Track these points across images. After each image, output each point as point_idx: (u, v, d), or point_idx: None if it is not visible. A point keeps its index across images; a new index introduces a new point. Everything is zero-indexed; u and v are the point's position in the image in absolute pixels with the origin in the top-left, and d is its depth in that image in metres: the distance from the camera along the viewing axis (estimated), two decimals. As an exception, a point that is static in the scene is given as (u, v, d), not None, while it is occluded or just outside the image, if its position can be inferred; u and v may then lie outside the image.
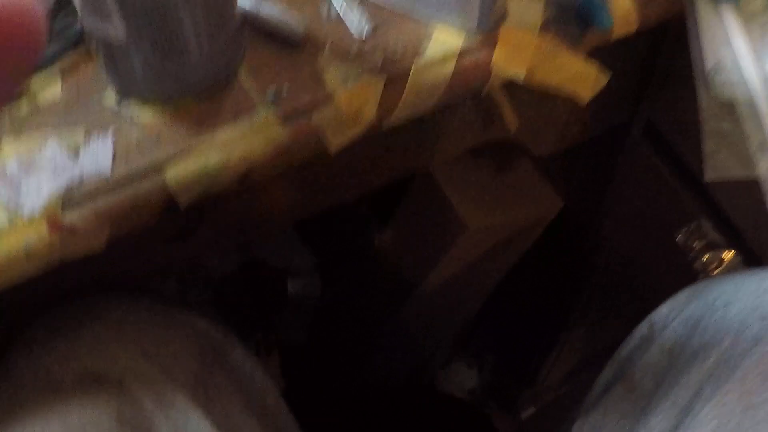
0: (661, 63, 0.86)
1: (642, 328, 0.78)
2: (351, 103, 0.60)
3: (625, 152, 0.98)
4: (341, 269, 1.25)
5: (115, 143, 0.58)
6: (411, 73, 0.62)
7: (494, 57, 0.64)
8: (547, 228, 1.08)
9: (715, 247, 0.93)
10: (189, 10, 0.55)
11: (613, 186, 1.03)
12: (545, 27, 0.66)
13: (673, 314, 0.74)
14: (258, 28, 0.66)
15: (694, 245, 0.95)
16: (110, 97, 0.62)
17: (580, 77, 0.67)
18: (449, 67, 0.63)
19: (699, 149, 0.79)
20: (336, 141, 0.61)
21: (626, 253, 1.08)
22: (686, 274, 0.94)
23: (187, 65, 0.58)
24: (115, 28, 0.55)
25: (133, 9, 0.54)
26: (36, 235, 0.54)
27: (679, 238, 0.95)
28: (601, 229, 1.10)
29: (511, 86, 0.74)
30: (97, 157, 0.58)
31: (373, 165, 0.75)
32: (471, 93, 0.65)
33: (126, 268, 0.70)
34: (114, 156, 0.58)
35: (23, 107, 0.61)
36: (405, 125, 0.72)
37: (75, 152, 0.58)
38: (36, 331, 0.65)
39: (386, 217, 1.12)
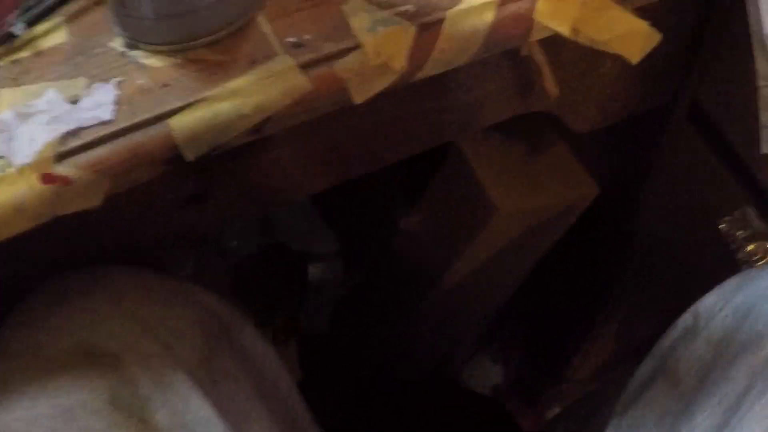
0: (709, 34, 0.80)
1: (686, 319, 0.72)
2: (379, 51, 0.55)
3: (667, 133, 0.92)
4: (364, 253, 1.20)
5: (119, 91, 0.53)
6: (446, 21, 0.56)
7: (537, 7, 0.58)
8: (580, 214, 1.03)
9: (761, 237, 0.88)
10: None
11: (653, 170, 0.97)
12: (592, -22, 0.60)
13: (721, 304, 0.69)
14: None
15: (738, 234, 0.89)
16: (117, 43, 0.57)
17: (630, 34, 0.61)
18: (488, 17, 0.57)
19: (747, 131, 0.75)
20: (361, 92, 0.55)
21: (664, 242, 1.02)
22: (729, 264, 0.88)
23: (199, 6, 0.53)
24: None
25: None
26: (26, 187, 0.49)
27: (722, 226, 0.90)
28: (637, 216, 1.04)
29: (551, 51, 0.69)
30: (98, 105, 0.52)
31: (400, 129, 0.70)
32: (510, 46, 0.60)
33: (132, 236, 0.65)
34: (117, 104, 0.53)
35: (24, 54, 0.57)
36: (437, 86, 0.66)
37: (75, 100, 0.53)
38: (30, 303, 0.59)
39: (413, 199, 1.07)
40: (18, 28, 0.57)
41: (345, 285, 1.21)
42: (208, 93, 0.53)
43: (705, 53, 0.82)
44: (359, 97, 0.56)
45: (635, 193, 1.02)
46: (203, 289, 0.66)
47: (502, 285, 1.11)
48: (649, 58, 0.64)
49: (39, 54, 0.57)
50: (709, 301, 0.71)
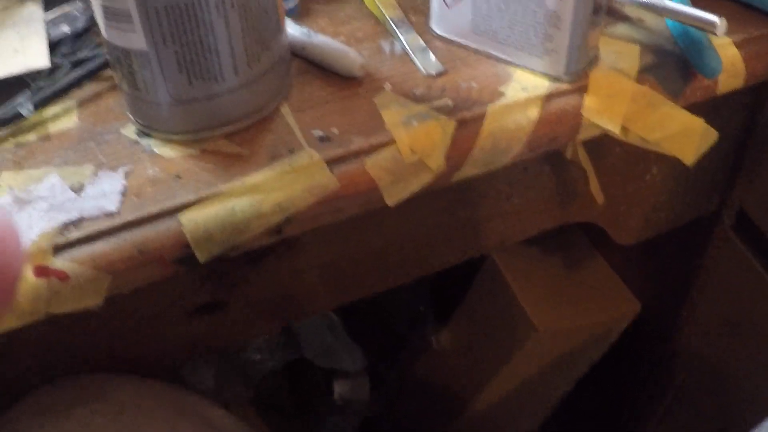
0: (754, 142, 0.75)
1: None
2: (414, 147, 0.50)
3: (713, 245, 0.87)
4: (391, 372, 1.14)
5: (127, 181, 0.49)
6: (488, 116, 0.51)
7: (585, 105, 0.54)
8: (621, 332, 0.97)
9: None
10: (223, 19, 0.46)
11: (697, 284, 0.91)
12: (642, 74, 0.56)
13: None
14: (308, 60, 0.57)
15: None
16: (130, 131, 0.53)
17: (684, 133, 0.56)
18: (533, 113, 0.53)
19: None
20: (394, 193, 0.50)
21: (710, 362, 0.96)
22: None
23: (219, 91, 0.49)
24: (138, 38, 0.46)
25: (157, 14, 0.45)
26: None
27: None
28: (679, 333, 0.98)
29: (594, 155, 0.64)
30: (104, 194, 0.48)
31: (433, 238, 0.65)
32: (556, 146, 0.55)
33: (139, 343, 0.59)
34: (124, 195, 0.48)
35: (31, 137, 0.53)
36: (474, 191, 0.62)
37: (79, 187, 0.48)
38: (23, 409, 0.54)
39: (445, 315, 1.01)
40: (26, 109, 0.52)
41: (371, 405, 1.14)
42: (224, 187, 0.48)
43: (751, 158, 0.77)
44: (391, 199, 0.51)
45: (677, 308, 0.96)
46: (213, 405, 0.61)
47: (537, 408, 1.05)
48: (696, 163, 0.59)
49: (46, 137, 0.53)
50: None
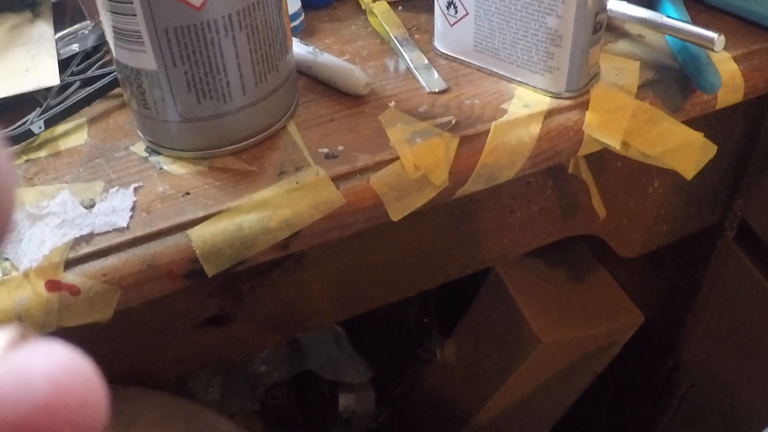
0: (756, 154, 0.76)
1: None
2: (418, 164, 0.51)
3: (715, 257, 0.87)
4: (395, 384, 1.14)
5: (137, 197, 0.50)
6: (491, 133, 0.52)
7: (586, 121, 0.54)
8: (624, 344, 0.97)
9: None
10: (231, 40, 0.47)
11: (700, 295, 0.91)
12: (643, 90, 0.57)
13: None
14: (314, 79, 0.58)
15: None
16: (139, 148, 0.53)
17: (684, 147, 0.57)
18: (535, 129, 0.53)
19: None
20: (398, 209, 0.51)
21: (714, 374, 0.96)
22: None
23: (227, 110, 0.50)
24: (148, 58, 0.47)
25: (167, 35, 0.46)
26: (31, 293, 0.45)
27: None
28: (682, 345, 0.98)
29: (596, 169, 0.65)
30: (114, 210, 0.49)
31: (437, 252, 0.65)
32: (558, 161, 0.56)
33: (147, 355, 0.60)
34: (134, 211, 0.49)
35: (42, 153, 0.54)
36: (478, 206, 0.62)
37: (90, 204, 0.49)
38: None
39: (449, 327, 1.02)
40: (37, 127, 0.53)
41: (376, 417, 1.15)
42: (232, 204, 0.49)
43: (753, 169, 0.77)
44: (396, 214, 0.51)
45: (680, 320, 0.96)
46: (221, 416, 0.61)
47: (540, 421, 1.05)
48: (698, 175, 0.60)
49: (57, 154, 0.54)
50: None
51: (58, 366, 0.15)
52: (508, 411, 0.96)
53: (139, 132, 0.54)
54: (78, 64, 0.60)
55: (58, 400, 0.15)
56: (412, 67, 0.58)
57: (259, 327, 0.62)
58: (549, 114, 0.54)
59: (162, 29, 0.45)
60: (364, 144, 0.52)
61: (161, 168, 0.52)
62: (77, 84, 0.58)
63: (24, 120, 0.55)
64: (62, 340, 0.15)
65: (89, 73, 0.59)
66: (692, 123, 0.58)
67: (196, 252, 0.47)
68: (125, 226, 0.48)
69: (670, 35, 0.58)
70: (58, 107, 0.55)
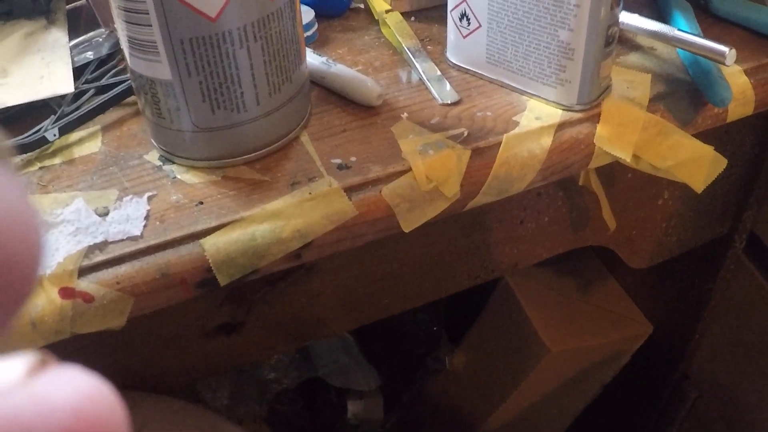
0: (767, 165, 0.76)
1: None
2: (430, 175, 0.51)
3: (724, 268, 0.87)
4: (406, 392, 1.14)
5: (150, 206, 0.50)
6: (502, 145, 0.52)
7: (597, 133, 0.55)
8: (633, 354, 0.97)
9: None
10: (246, 51, 0.47)
11: (709, 306, 0.91)
12: (654, 103, 0.57)
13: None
14: (327, 89, 0.58)
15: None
16: (153, 156, 0.54)
17: (694, 160, 0.57)
18: (546, 142, 0.53)
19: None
20: (410, 220, 0.51)
21: (722, 384, 0.96)
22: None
23: (241, 120, 0.50)
24: (163, 68, 0.47)
25: (182, 45, 0.46)
26: (45, 300, 0.45)
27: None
28: (691, 356, 0.98)
29: (607, 181, 0.65)
30: (128, 219, 0.49)
31: (448, 262, 0.65)
32: (569, 173, 0.56)
33: (158, 361, 0.60)
34: (147, 220, 0.49)
35: (56, 161, 0.54)
36: (489, 214, 0.63)
37: (104, 212, 0.49)
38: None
39: (459, 336, 1.02)
40: (51, 134, 0.54)
41: (384, 424, 1.15)
42: (245, 213, 0.49)
43: (763, 181, 0.77)
44: (407, 226, 0.51)
45: (689, 330, 0.96)
46: (232, 423, 0.61)
47: (549, 430, 1.05)
48: (708, 187, 0.60)
49: (71, 162, 0.54)
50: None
51: (80, 394, 0.15)
52: (517, 420, 0.96)
53: (153, 141, 0.54)
54: (92, 72, 0.61)
55: (82, 431, 0.15)
56: (424, 78, 0.59)
57: (269, 335, 0.63)
58: (560, 127, 0.54)
59: (177, 40, 0.46)
60: (376, 155, 0.53)
61: (175, 177, 0.52)
62: (91, 92, 0.59)
63: (38, 127, 0.55)
64: (82, 366, 0.15)
65: (103, 81, 0.59)
66: (703, 136, 0.58)
67: (209, 261, 0.48)
68: (139, 234, 0.48)
69: (681, 48, 0.58)
70: (73, 115, 0.55)
